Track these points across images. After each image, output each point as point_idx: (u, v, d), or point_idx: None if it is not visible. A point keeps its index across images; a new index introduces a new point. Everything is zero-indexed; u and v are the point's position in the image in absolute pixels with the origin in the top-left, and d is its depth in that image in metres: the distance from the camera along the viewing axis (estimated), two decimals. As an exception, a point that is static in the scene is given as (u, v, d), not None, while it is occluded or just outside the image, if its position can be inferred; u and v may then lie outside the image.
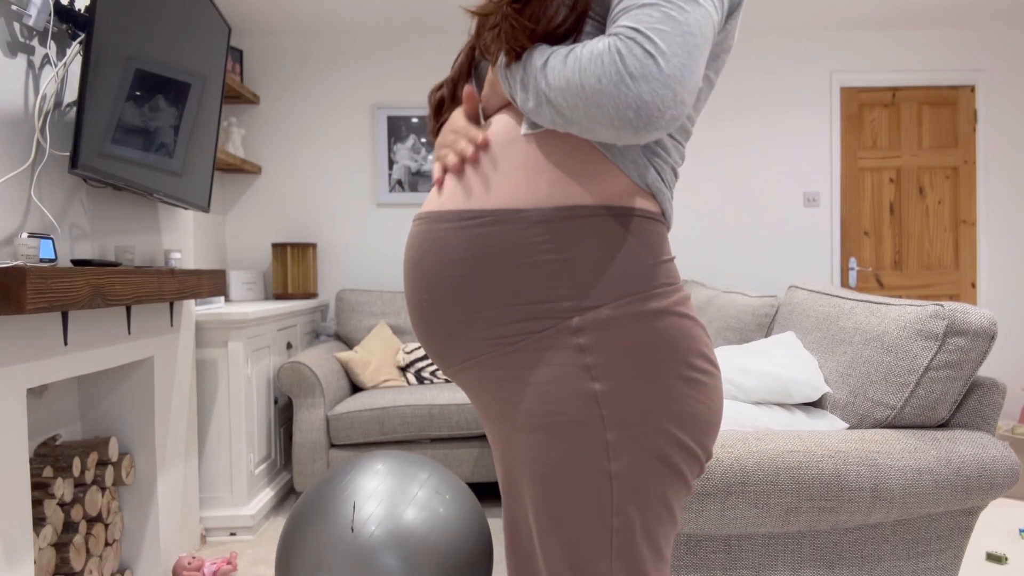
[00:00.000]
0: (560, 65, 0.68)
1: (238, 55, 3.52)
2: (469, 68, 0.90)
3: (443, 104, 0.91)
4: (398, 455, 1.62)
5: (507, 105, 0.81)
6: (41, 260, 1.45)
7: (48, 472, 1.68)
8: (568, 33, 0.72)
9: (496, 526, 2.59)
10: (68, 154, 1.62)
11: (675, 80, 0.62)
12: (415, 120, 3.69)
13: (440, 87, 0.92)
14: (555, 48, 0.71)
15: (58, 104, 1.63)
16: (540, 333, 0.73)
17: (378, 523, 1.37)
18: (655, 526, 0.73)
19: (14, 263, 1.33)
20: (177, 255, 2.13)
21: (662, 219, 0.78)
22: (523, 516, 0.76)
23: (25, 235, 1.44)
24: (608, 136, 0.67)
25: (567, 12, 0.72)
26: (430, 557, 1.36)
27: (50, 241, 1.49)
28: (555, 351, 0.72)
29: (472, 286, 0.75)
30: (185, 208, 2.16)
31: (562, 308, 0.72)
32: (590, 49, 0.66)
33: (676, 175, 0.81)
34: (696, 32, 0.64)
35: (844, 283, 3.80)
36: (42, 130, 1.56)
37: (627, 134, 0.65)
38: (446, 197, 0.80)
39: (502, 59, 0.76)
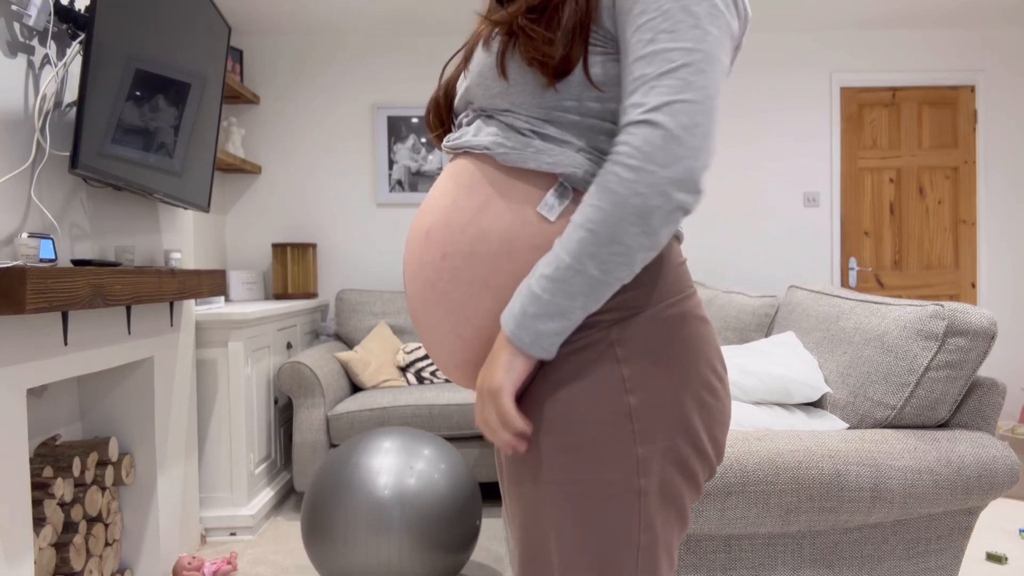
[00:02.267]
0: (591, 242, 0.65)
1: (238, 55, 3.52)
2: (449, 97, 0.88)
3: (439, 116, 0.89)
4: (404, 432, 2.04)
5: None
6: (41, 260, 1.45)
7: (48, 472, 1.68)
8: (578, 58, 0.71)
9: (494, 525, 2.59)
10: (68, 154, 1.62)
11: (705, 151, 0.64)
12: (415, 120, 3.69)
13: (429, 108, 0.90)
14: (558, 248, 0.68)
15: (58, 104, 1.63)
16: (576, 343, 0.71)
17: (387, 488, 1.85)
18: (671, 535, 0.72)
19: (14, 263, 1.33)
20: (177, 255, 2.13)
21: None
22: (542, 534, 0.73)
23: (25, 235, 1.44)
24: (669, 235, 0.67)
25: (572, 25, 0.70)
26: (424, 511, 1.85)
27: (50, 241, 1.49)
28: (591, 363, 0.70)
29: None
30: (185, 208, 2.16)
31: (600, 319, 0.71)
32: (604, 188, 0.65)
33: None
34: (715, 93, 0.65)
35: (844, 283, 3.80)
36: (42, 130, 1.56)
37: (685, 214, 0.66)
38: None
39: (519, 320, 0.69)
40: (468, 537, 1.93)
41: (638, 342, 0.70)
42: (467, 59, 0.84)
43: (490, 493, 2.98)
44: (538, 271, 0.68)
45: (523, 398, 0.75)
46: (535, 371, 0.74)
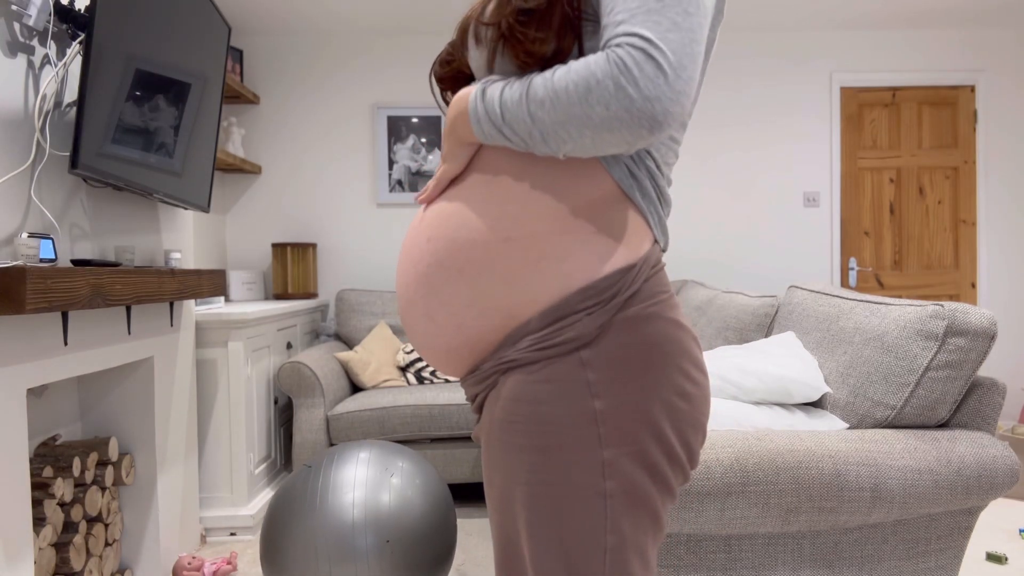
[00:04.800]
0: (550, 96, 0.65)
1: (238, 55, 3.52)
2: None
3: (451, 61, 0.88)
4: (379, 444, 1.83)
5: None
6: (41, 260, 1.45)
7: (48, 472, 1.68)
8: (570, 47, 0.70)
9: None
10: (68, 154, 1.62)
11: (684, 95, 0.62)
12: (415, 120, 3.69)
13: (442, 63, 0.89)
14: (531, 77, 0.68)
15: (58, 104, 1.63)
16: (543, 346, 0.72)
17: (358, 506, 1.62)
18: (644, 538, 0.73)
19: (14, 263, 1.33)
20: (177, 255, 2.13)
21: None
22: (516, 535, 0.75)
23: (25, 235, 1.44)
24: (617, 150, 0.66)
25: (561, 22, 0.69)
26: (400, 533, 1.62)
27: (50, 241, 1.49)
28: (557, 367, 0.71)
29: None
30: (185, 208, 2.16)
31: (567, 324, 0.71)
32: (584, 73, 0.63)
33: (670, 182, 0.81)
34: (698, 38, 0.63)
35: (844, 283, 3.80)
36: (42, 130, 1.56)
37: (639, 144, 0.65)
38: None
39: (476, 95, 0.73)
40: (443, 553, 1.73)
41: (604, 347, 0.70)
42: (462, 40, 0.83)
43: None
44: (499, 91, 0.70)
45: (499, 397, 0.75)
46: (511, 373, 0.74)
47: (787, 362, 1.69)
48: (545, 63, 0.71)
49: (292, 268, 3.46)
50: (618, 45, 0.63)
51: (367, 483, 1.68)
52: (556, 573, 0.71)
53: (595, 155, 0.68)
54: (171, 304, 2.18)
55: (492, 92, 0.71)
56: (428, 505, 1.73)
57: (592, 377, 0.70)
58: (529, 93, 0.67)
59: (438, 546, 1.73)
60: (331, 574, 1.58)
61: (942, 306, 1.46)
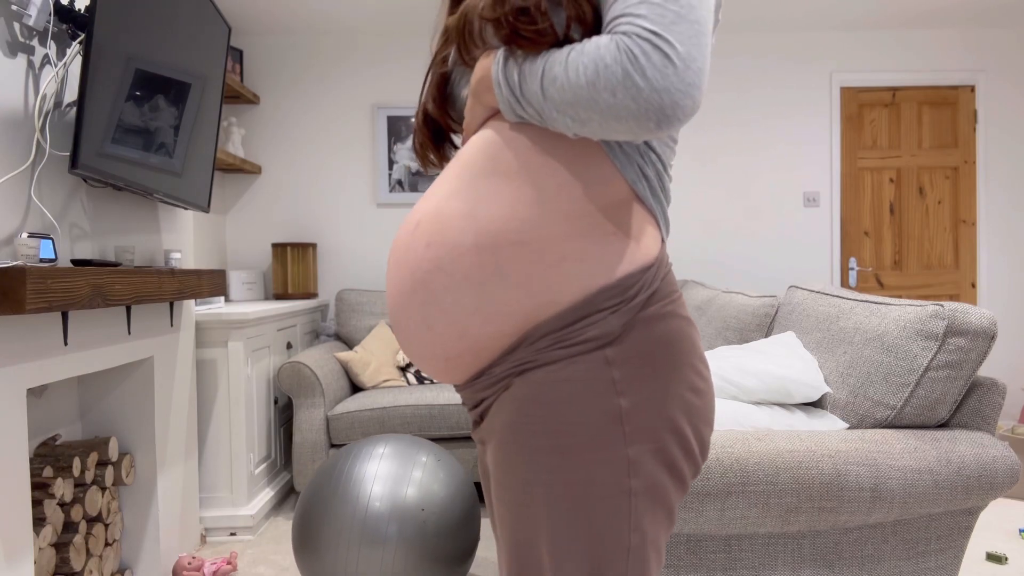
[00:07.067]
0: (562, 75, 0.65)
1: (238, 55, 3.52)
2: (442, 91, 0.88)
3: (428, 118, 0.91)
4: (399, 438, 1.95)
5: (494, 116, 0.78)
6: (41, 260, 1.45)
7: (48, 472, 1.68)
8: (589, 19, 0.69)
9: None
10: (68, 154, 1.62)
11: (695, 87, 0.61)
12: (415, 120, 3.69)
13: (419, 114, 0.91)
14: (551, 53, 0.68)
15: (58, 104, 1.63)
16: (566, 345, 0.71)
17: (380, 499, 1.75)
18: (660, 534, 0.73)
19: (14, 263, 1.33)
20: (177, 255, 2.13)
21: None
22: (534, 537, 0.73)
23: (25, 235, 1.44)
24: (624, 138, 0.66)
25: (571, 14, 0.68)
26: (422, 525, 1.75)
27: (50, 241, 1.49)
28: (581, 366, 0.70)
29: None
30: (185, 208, 2.16)
31: (590, 322, 0.71)
32: (594, 57, 0.63)
33: (671, 178, 0.81)
34: (706, 30, 0.63)
35: (844, 283, 3.80)
36: (42, 130, 1.56)
37: (646, 135, 0.65)
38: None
39: (499, 62, 0.72)
40: (468, 548, 1.86)
41: (628, 345, 0.70)
42: (440, 78, 0.85)
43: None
44: (529, 66, 0.69)
45: (514, 399, 0.74)
46: (526, 374, 0.73)
47: (787, 362, 1.69)
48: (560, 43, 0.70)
49: (292, 268, 3.46)
50: (624, 33, 0.62)
51: (390, 475, 1.82)
52: (579, 574, 0.70)
53: (603, 138, 0.68)
54: (171, 304, 2.18)
55: (513, 61, 0.71)
56: (460, 487, 1.91)
57: (617, 375, 0.69)
58: (545, 69, 0.67)
59: (470, 522, 1.88)
60: (359, 557, 1.71)
61: (942, 306, 1.46)
